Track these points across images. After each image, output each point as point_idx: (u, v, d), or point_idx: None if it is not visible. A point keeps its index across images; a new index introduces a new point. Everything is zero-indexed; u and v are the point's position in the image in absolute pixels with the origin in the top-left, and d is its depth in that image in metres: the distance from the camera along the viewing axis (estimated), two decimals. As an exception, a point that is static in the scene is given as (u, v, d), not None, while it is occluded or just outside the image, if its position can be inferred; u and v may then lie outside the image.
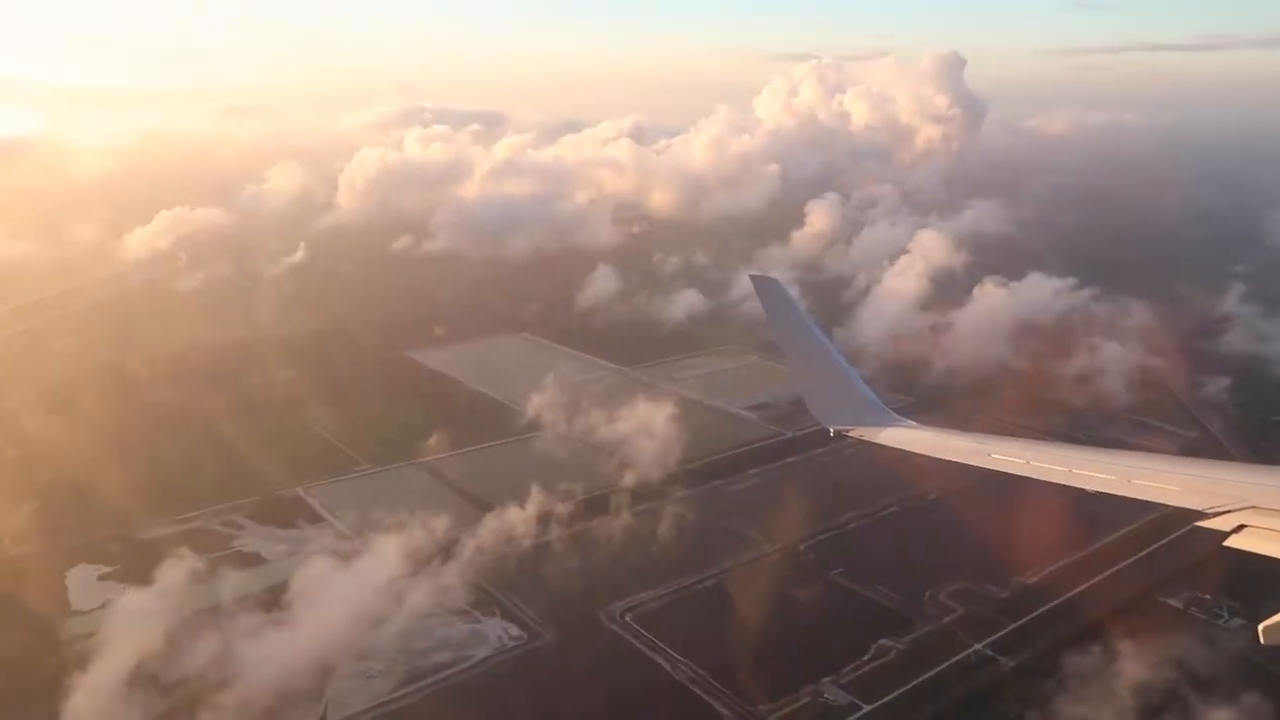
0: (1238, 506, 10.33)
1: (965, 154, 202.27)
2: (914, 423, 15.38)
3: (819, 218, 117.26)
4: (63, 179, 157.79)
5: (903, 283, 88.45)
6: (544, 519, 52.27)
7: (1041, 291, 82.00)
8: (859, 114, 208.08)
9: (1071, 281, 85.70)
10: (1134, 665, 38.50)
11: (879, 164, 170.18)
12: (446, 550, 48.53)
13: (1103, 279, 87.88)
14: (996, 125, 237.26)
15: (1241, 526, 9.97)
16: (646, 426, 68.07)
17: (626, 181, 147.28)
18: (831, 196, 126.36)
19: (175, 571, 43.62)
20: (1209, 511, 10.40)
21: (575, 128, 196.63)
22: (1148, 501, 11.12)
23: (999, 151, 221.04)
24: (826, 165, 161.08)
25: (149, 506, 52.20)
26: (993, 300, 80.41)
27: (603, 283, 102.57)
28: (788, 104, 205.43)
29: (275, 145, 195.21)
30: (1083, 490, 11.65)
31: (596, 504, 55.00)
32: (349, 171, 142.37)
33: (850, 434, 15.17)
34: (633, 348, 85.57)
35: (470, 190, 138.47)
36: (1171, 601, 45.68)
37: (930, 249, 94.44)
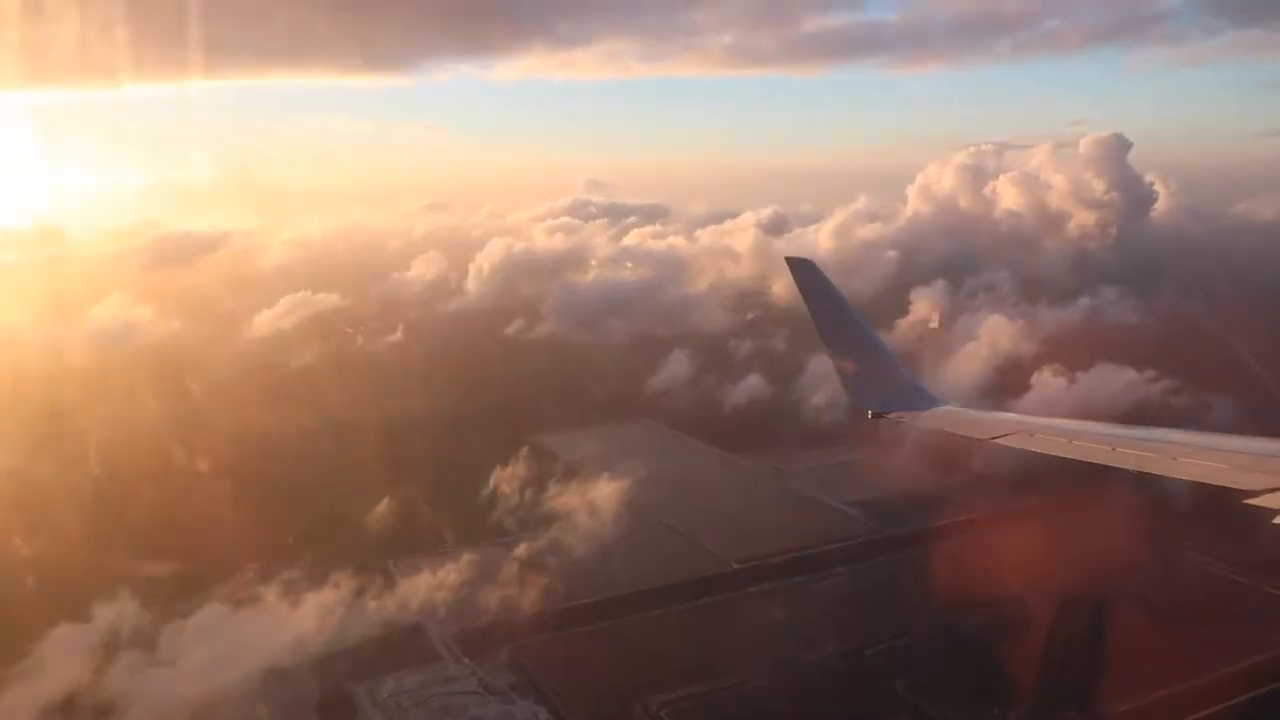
0: None
1: (1127, 240, 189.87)
2: (954, 405, 15.26)
3: (922, 305, 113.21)
4: (243, 268, 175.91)
5: (962, 369, 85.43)
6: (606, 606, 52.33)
7: (1108, 384, 74.69)
8: (1010, 199, 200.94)
9: (1149, 375, 76.88)
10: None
11: (1021, 250, 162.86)
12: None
13: (1196, 376, 76.99)
14: (1185, 210, 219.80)
15: None
16: (743, 516, 68.00)
17: (744, 269, 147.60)
18: (940, 284, 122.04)
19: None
20: (1258, 489, 10.14)
21: (727, 218, 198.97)
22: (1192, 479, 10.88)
23: (1173, 238, 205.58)
24: (962, 252, 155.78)
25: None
26: (1048, 391, 75.52)
27: (708, 368, 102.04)
28: (930, 190, 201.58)
29: (446, 237, 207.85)
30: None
31: (669, 595, 54.41)
32: (478, 260, 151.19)
33: (890, 417, 15.09)
34: (744, 434, 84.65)
35: (586, 277, 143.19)
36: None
37: (998, 336, 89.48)
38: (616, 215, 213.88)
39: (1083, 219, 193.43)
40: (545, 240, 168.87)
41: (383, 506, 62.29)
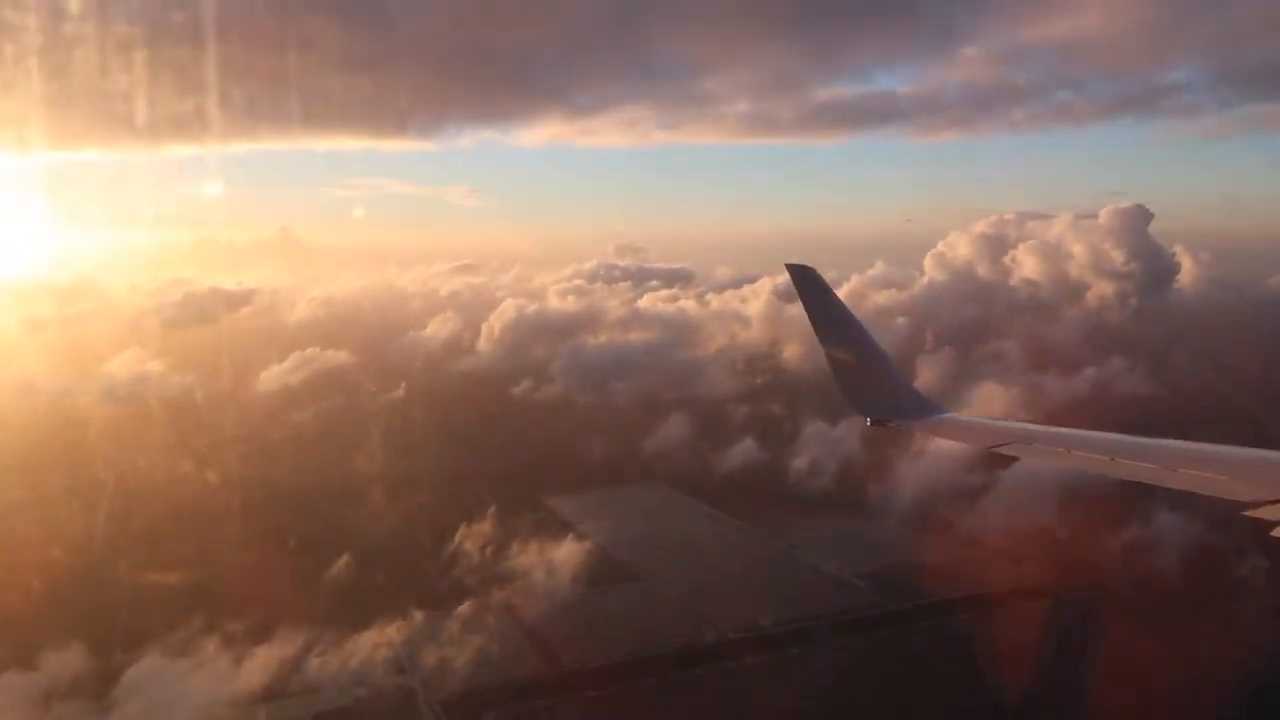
0: None
1: (1146, 311, 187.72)
2: (954, 413, 15.14)
3: (928, 371, 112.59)
4: (266, 324, 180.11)
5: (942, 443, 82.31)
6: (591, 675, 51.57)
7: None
8: (1029, 268, 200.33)
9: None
10: None
11: (1036, 319, 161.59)
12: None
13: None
14: (1212, 283, 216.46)
15: None
16: (742, 582, 67.19)
17: (755, 333, 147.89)
18: (946, 351, 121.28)
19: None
20: (1257, 501, 9.94)
21: (749, 283, 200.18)
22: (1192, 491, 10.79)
23: (1196, 310, 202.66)
24: (975, 320, 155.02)
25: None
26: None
27: (712, 431, 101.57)
28: (946, 258, 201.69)
29: (471, 298, 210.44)
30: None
31: (652, 665, 53.64)
32: (490, 320, 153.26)
33: (890, 425, 15.05)
34: (748, 499, 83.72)
35: (597, 339, 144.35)
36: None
37: (992, 404, 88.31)
38: (641, 279, 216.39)
39: (1102, 289, 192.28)
40: (558, 302, 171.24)
41: (337, 567, 61.86)
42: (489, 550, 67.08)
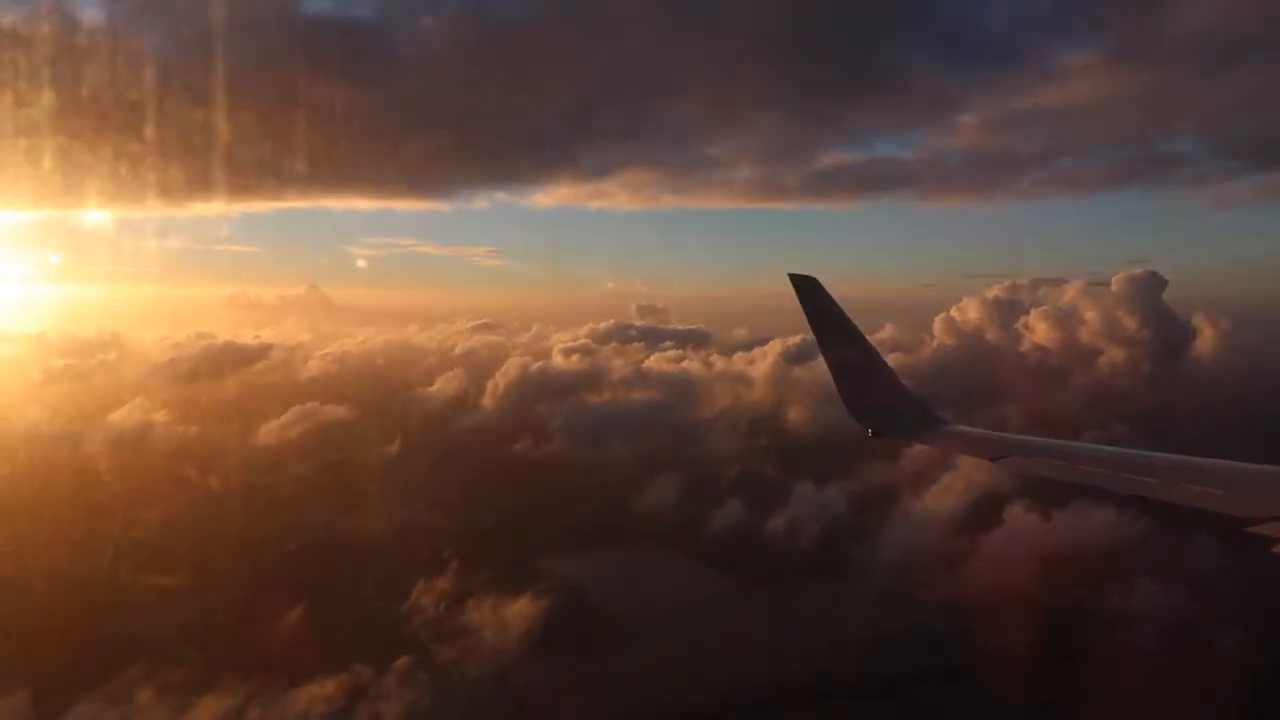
0: None
1: (1159, 378, 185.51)
2: (955, 425, 15.10)
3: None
4: (278, 379, 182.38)
5: (935, 503, 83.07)
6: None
7: (1082, 521, 72.03)
8: (1041, 334, 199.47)
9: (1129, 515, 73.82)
10: None
11: (1043, 385, 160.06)
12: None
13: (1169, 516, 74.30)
14: (1232, 350, 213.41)
15: None
16: (735, 648, 64.92)
17: (758, 394, 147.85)
18: (946, 414, 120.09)
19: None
20: (1257, 518, 9.79)
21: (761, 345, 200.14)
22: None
23: (1212, 377, 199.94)
24: (981, 384, 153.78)
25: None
26: (1018, 527, 73.77)
27: (708, 492, 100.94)
28: (956, 322, 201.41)
29: (487, 356, 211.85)
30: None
31: None
32: (496, 378, 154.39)
33: (890, 435, 14.97)
34: (746, 563, 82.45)
35: (600, 397, 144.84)
36: None
37: (973, 468, 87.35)
38: (656, 339, 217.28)
39: (1114, 355, 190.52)
40: (563, 361, 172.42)
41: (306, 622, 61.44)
42: (442, 607, 66.38)
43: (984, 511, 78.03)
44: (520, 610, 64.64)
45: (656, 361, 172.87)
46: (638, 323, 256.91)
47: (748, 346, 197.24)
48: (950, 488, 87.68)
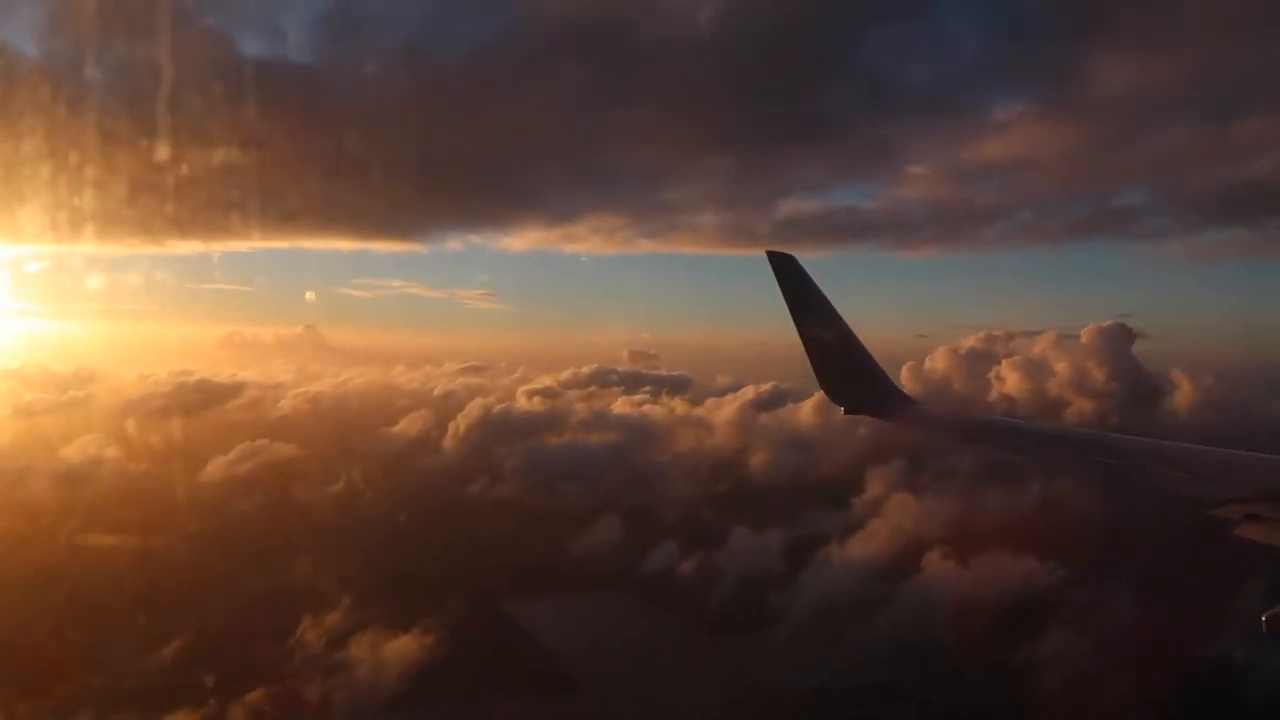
0: (1250, 496, 9.77)
1: (1127, 430, 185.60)
2: (927, 405, 15.62)
3: (876, 484, 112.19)
4: (246, 417, 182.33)
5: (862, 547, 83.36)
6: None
7: (997, 573, 72.53)
8: (1011, 384, 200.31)
9: (1049, 566, 74.03)
10: None
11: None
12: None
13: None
14: (1208, 405, 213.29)
15: (1252, 517, 9.47)
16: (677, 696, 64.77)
17: (719, 439, 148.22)
18: (897, 462, 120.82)
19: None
20: (1219, 500, 9.87)
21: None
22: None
23: (1183, 431, 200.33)
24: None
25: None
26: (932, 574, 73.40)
27: (657, 536, 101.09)
28: (924, 371, 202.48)
29: (465, 397, 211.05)
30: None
31: None
32: (458, 419, 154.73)
33: (863, 414, 15.16)
34: (688, 608, 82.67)
35: (559, 439, 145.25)
36: None
37: (902, 515, 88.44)
38: (637, 384, 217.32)
39: (1081, 407, 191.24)
40: (525, 403, 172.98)
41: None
42: (322, 644, 66.19)
43: (907, 557, 78.61)
44: (399, 647, 64.56)
45: (623, 405, 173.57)
46: (620, 368, 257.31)
47: (722, 393, 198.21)
48: (876, 534, 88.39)
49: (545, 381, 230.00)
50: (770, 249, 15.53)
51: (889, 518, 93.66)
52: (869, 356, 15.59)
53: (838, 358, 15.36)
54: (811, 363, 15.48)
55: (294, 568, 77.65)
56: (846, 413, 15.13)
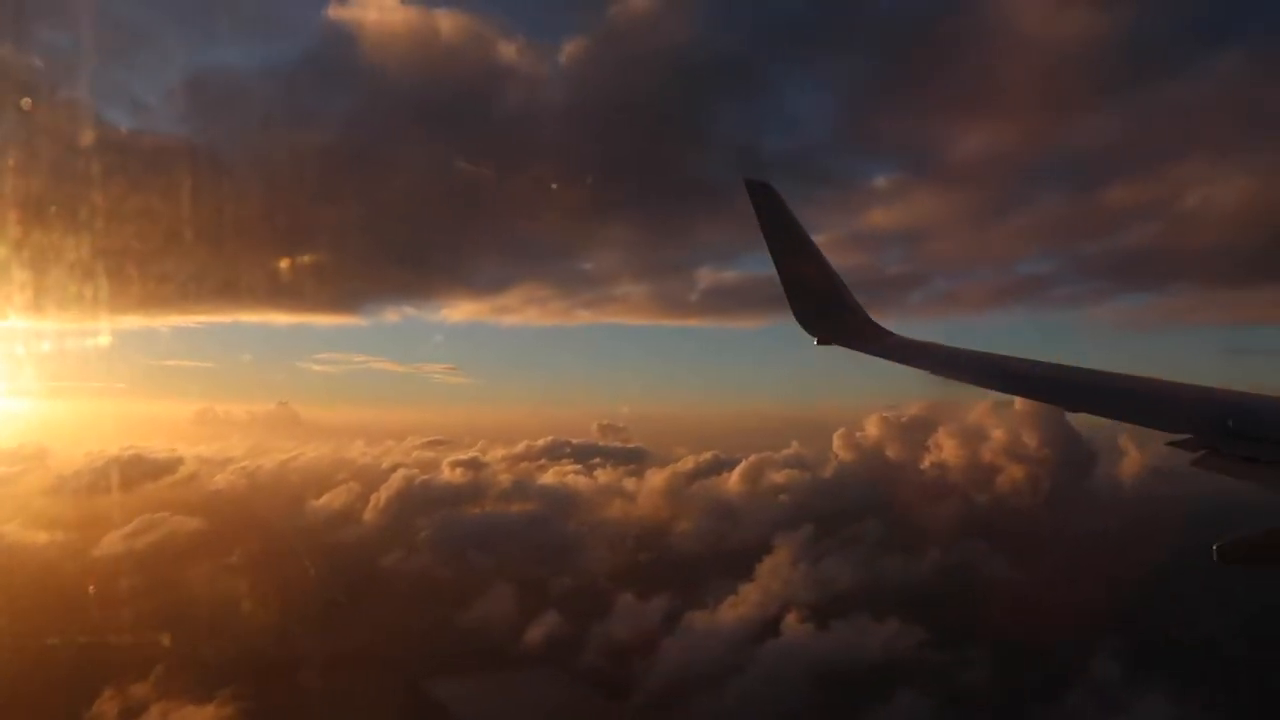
0: (1209, 429, 9.57)
1: (1059, 496, 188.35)
2: (901, 335, 15.35)
3: (785, 552, 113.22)
4: (176, 493, 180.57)
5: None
6: None
7: (857, 637, 73.07)
8: (946, 451, 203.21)
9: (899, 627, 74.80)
10: None
11: (930, 502, 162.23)
12: None
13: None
14: (1151, 473, 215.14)
15: (1210, 449, 9.33)
16: None
17: (641, 509, 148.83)
18: (808, 529, 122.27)
19: None
20: (1177, 431, 9.68)
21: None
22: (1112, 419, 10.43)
23: (1120, 500, 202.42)
24: (863, 500, 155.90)
25: None
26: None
27: (569, 607, 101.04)
28: (856, 439, 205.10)
29: (418, 471, 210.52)
30: None
31: None
32: (380, 491, 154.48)
33: (837, 343, 15.05)
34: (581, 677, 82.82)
35: (477, 510, 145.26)
36: None
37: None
38: (589, 456, 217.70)
39: (1013, 473, 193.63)
40: (448, 473, 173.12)
41: None
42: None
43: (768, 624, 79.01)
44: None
45: (552, 476, 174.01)
46: (577, 440, 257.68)
47: (672, 464, 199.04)
48: (745, 599, 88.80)
49: (499, 453, 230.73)
50: (748, 178, 15.45)
51: (769, 584, 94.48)
52: (845, 289, 15.76)
53: (814, 289, 15.39)
54: (787, 294, 15.55)
55: (139, 644, 76.48)
56: (820, 343, 15.02)
